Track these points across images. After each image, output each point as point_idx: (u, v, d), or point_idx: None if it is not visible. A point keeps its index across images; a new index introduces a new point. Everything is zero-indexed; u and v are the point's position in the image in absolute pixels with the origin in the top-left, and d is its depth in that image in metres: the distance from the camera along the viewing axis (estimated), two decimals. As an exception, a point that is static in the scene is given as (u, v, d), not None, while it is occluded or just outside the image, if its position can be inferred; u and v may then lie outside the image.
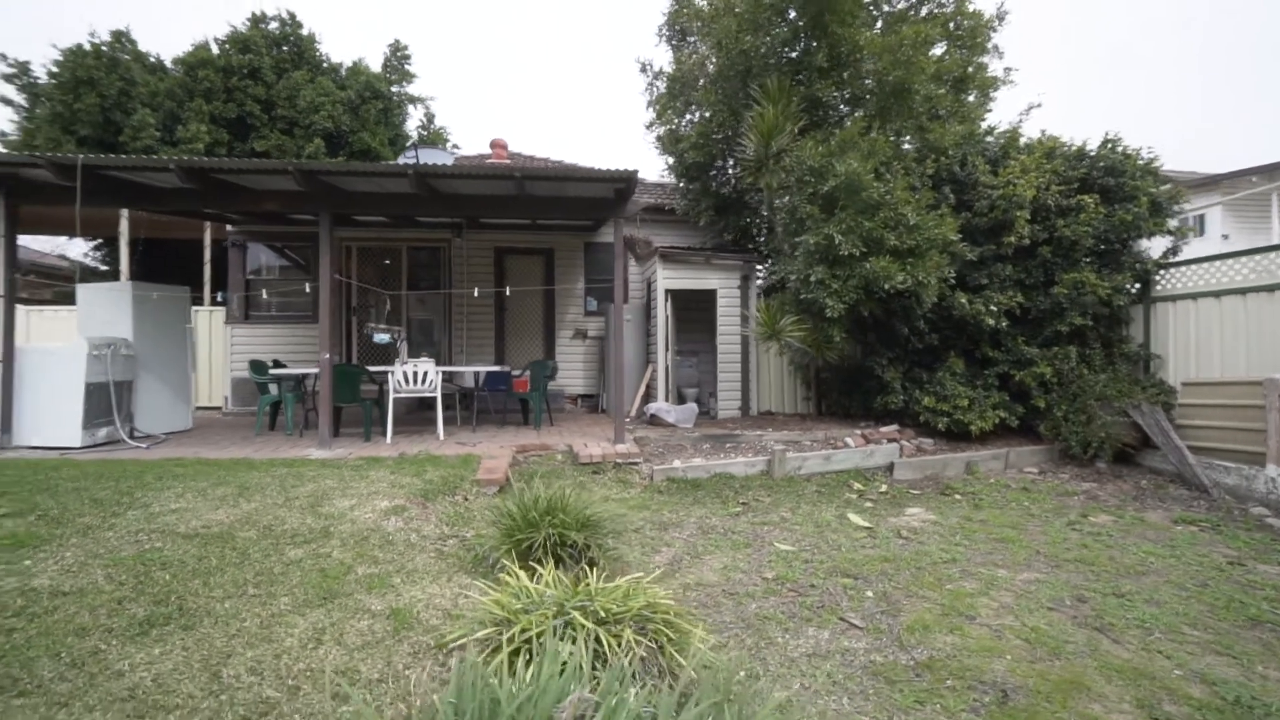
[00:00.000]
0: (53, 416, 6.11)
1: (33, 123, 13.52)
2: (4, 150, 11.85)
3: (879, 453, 6.20)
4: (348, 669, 2.44)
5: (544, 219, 8.77)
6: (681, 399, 8.28)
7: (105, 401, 6.32)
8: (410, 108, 17.60)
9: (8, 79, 13.61)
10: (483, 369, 7.83)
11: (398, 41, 17.26)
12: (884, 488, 5.66)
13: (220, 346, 9.62)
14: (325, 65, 15.51)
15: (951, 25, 7.76)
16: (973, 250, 6.61)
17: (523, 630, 2.09)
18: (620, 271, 6.52)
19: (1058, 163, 6.69)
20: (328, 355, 6.15)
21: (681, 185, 9.20)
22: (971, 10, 7.78)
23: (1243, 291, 5.80)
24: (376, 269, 9.77)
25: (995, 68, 8.18)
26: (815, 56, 7.20)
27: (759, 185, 7.52)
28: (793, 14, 7.35)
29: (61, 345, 6.36)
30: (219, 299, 10.01)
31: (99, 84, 13.03)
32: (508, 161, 10.88)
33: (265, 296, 9.54)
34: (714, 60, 8.13)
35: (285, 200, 6.48)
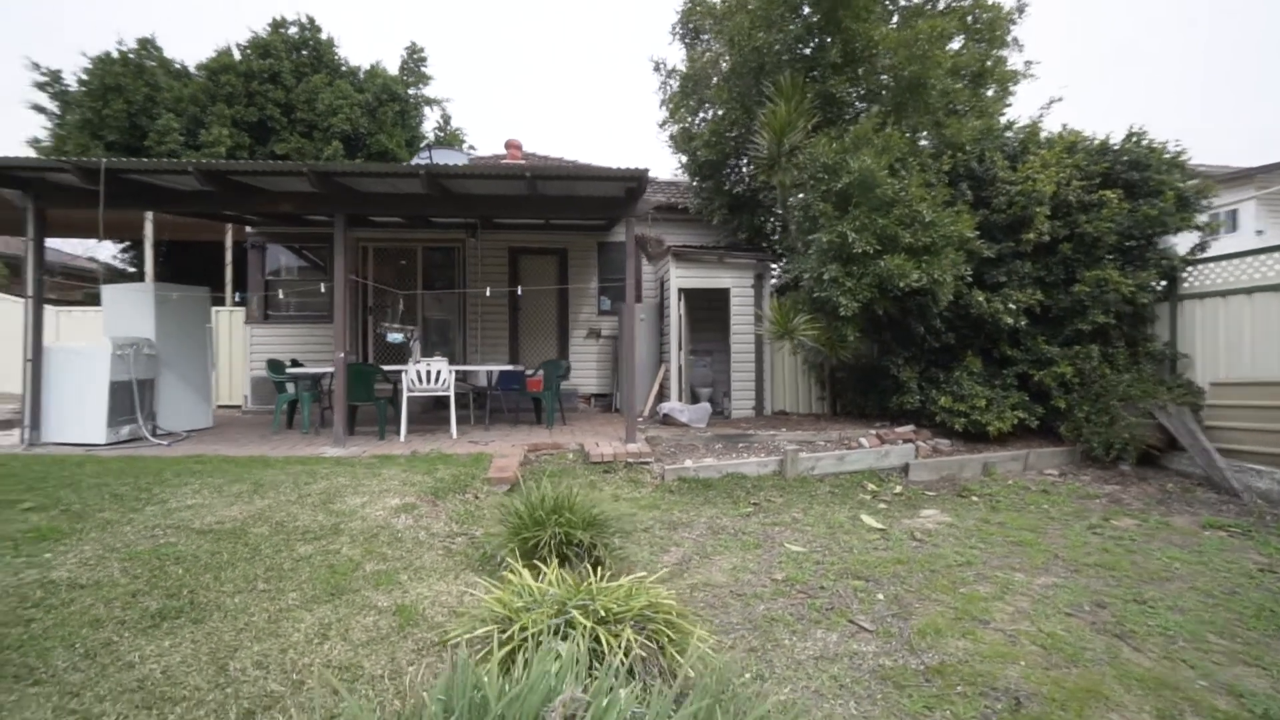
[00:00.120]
0: (79, 414, 6.26)
1: (64, 129, 13.89)
2: (33, 155, 12.19)
3: (894, 453, 6.10)
4: (351, 664, 2.45)
5: (556, 219, 8.79)
6: (695, 398, 8.24)
7: (128, 399, 6.46)
8: (427, 109, 17.76)
9: (41, 87, 14.01)
10: (496, 368, 7.87)
11: (414, 44, 17.42)
12: (898, 489, 5.57)
13: (240, 346, 9.80)
14: (344, 68, 15.71)
15: (969, 19, 7.62)
16: (990, 247, 6.47)
17: (522, 629, 2.08)
18: (632, 270, 6.51)
19: (1079, 157, 6.53)
20: (342, 354, 6.22)
21: (695, 184, 9.16)
22: (990, 3, 7.64)
23: (1277, 288, 5.61)
24: (393, 269, 9.87)
25: (1015, 61, 8.04)
26: (829, 52, 7.12)
27: (772, 183, 7.45)
28: (806, 10, 7.28)
29: (86, 345, 6.51)
30: (239, 299, 10.20)
31: (126, 90, 13.36)
32: (521, 161, 10.93)
33: (284, 297, 9.69)
34: (727, 58, 8.08)
35: (300, 201, 6.58)
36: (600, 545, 3.28)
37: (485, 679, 1.32)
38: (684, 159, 9.03)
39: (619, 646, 2.00)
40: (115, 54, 13.77)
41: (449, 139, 18.02)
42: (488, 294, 7.79)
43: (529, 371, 7.98)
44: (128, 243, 16.05)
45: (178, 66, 14.55)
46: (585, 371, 9.85)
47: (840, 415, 8.00)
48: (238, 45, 14.85)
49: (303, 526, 3.88)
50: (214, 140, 13.34)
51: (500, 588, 2.50)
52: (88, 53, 13.69)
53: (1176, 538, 4.35)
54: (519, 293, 9.06)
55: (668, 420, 7.43)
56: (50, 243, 13.14)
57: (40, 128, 14.60)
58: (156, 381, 6.88)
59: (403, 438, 6.63)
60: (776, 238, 8.61)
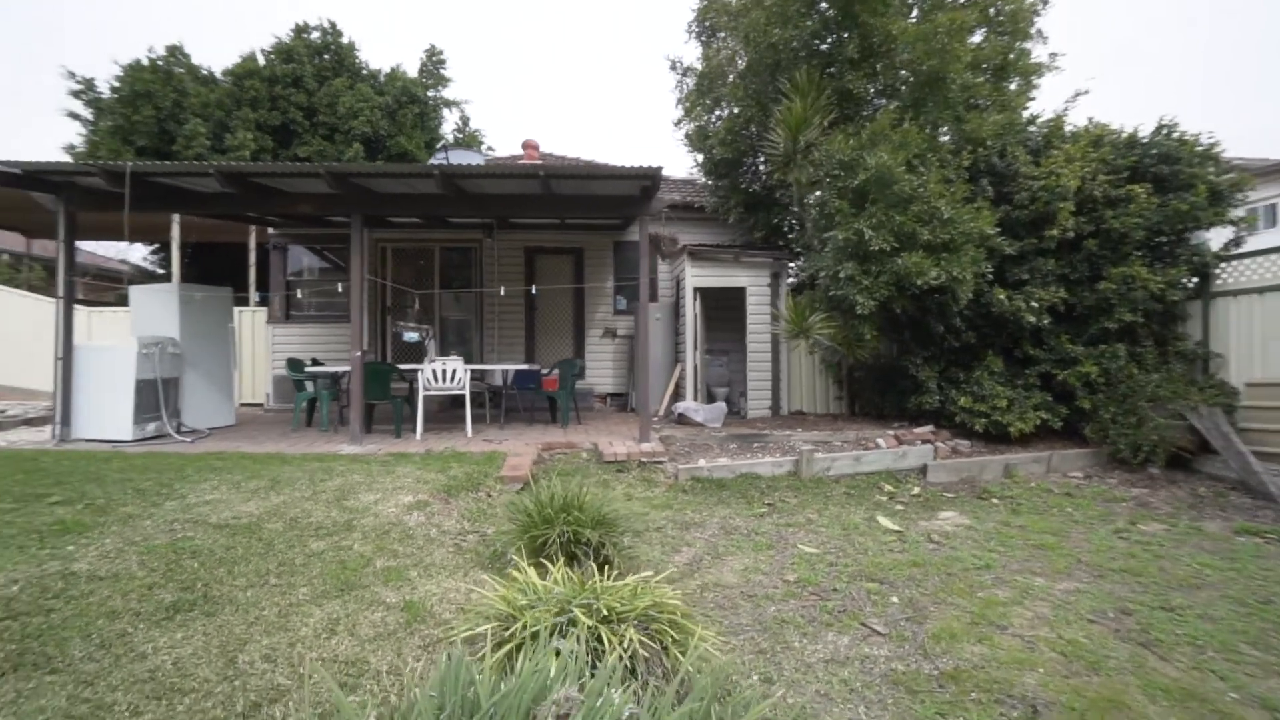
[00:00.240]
0: (106, 411, 6.43)
1: (97, 135, 14.32)
2: (64, 160, 12.58)
3: (912, 454, 5.98)
4: (357, 659, 2.46)
5: (571, 218, 8.80)
6: (711, 398, 8.18)
7: (154, 397, 6.61)
8: (446, 111, 17.96)
9: (75, 94, 14.46)
10: (512, 367, 7.90)
11: (433, 46, 17.64)
12: (916, 490, 5.46)
13: (262, 345, 9.98)
14: (364, 72, 15.96)
15: (991, 10, 7.44)
16: (1012, 244, 6.31)
17: (524, 626, 2.06)
18: (646, 269, 6.49)
19: (1105, 151, 6.34)
20: (359, 353, 6.29)
21: (710, 182, 9.11)
22: (1013, -6, 7.45)
23: (1314, 285, 5.39)
24: (412, 269, 9.97)
25: (1039, 53, 7.83)
26: (846, 48, 7.02)
27: (788, 180, 7.37)
28: (823, 5, 7.19)
29: (114, 344, 6.69)
30: (262, 299, 10.40)
31: (155, 96, 13.73)
32: (538, 161, 10.97)
33: (305, 297, 9.85)
34: (743, 55, 8.02)
35: (319, 202, 6.68)
36: (609, 544, 3.25)
37: (478, 676, 1.31)
38: (699, 157, 8.98)
39: (622, 646, 1.97)
40: (145, 61, 14.15)
41: (467, 140, 18.20)
42: (502, 293, 7.82)
43: (544, 371, 8.00)
44: (156, 245, 16.49)
45: (204, 72, 14.92)
46: (601, 371, 9.85)
47: (858, 415, 7.88)
48: (262, 50, 15.17)
49: (316, 522, 3.92)
50: (239, 144, 13.64)
51: (505, 585, 2.50)
52: (120, 60, 14.11)
53: (1208, 543, 4.19)
54: (535, 292, 9.09)
55: (683, 420, 7.39)
56: (83, 245, 13.56)
57: (75, 134, 15.07)
58: (181, 380, 7.04)
59: (418, 436, 6.69)
60: (793, 236, 8.52)
